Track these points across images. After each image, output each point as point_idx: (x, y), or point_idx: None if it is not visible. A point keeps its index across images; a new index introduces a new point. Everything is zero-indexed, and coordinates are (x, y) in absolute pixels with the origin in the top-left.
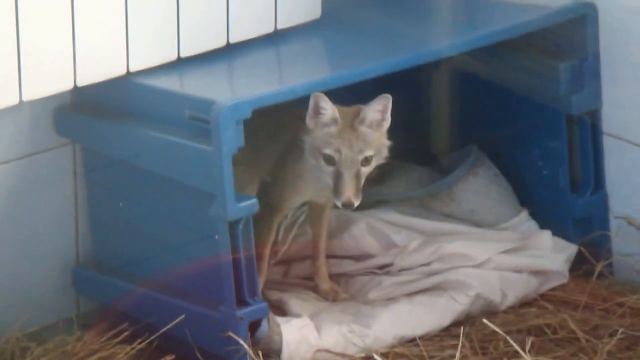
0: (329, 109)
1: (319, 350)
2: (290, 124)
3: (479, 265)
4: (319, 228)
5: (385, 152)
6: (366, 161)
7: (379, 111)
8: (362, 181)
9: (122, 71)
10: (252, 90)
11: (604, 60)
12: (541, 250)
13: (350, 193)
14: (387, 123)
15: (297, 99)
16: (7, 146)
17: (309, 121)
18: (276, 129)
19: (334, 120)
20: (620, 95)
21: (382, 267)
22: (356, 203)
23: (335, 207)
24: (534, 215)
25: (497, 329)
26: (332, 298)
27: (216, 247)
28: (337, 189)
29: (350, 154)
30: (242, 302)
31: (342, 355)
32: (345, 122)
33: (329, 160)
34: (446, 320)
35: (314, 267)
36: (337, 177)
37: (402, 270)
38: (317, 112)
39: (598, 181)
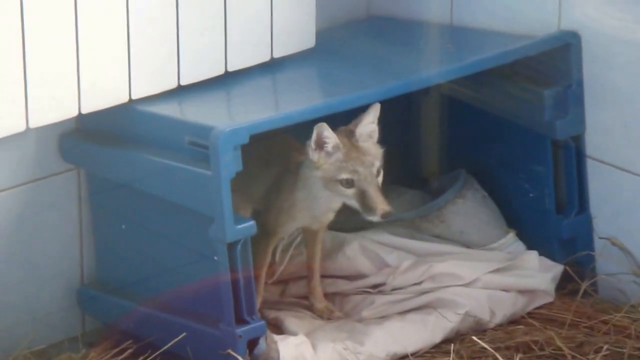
0: (332, 137)
1: None
2: (282, 153)
3: (468, 285)
4: (313, 250)
5: (381, 159)
6: (378, 173)
7: (372, 123)
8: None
9: (124, 99)
10: (249, 117)
11: (587, 86)
12: (528, 270)
13: (384, 204)
14: (376, 132)
15: (290, 126)
16: (15, 171)
17: (313, 154)
18: (268, 158)
19: (337, 147)
20: (603, 121)
21: (375, 286)
22: (391, 210)
23: (371, 223)
24: (521, 236)
25: (486, 346)
26: (327, 316)
27: (215, 268)
28: (368, 207)
29: (366, 170)
30: (240, 321)
31: None
32: (346, 143)
33: (348, 183)
34: (437, 338)
35: (309, 287)
36: (363, 196)
37: (394, 289)
38: (322, 142)
39: (582, 203)
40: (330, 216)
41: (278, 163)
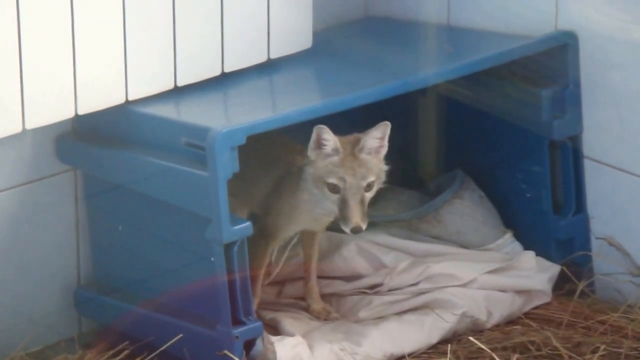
0: (331, 140)
1: None
2: (282, 156)
3: (465, 285)
4: (310, 251)
5: (383, 177)
6: (369, 187)
7: (378, 138)
8: (366, 206)
9: (121, 100)
10: (246, 117)
11: (585, 87)
12: (525, 270)
13: (358, 218)
14: (385, 149)
15: (288, 128)
16: (11, 173)
17: (311, 153)
18: (268, 160)
19: (336, 151)
20: (600, 121)
21: (372, 287)
22: (364, 227)
23: (343, 232)
24: (518, 236)
25: (483, 347)
26: (324, 317)
27: (212, 269)
28: (344, 216)
29: (354, 181)
30: (237, 322)
31: None
32: (346, 151)
33: (334, 189)
34: (434, 338)
35: (306, 288)
36: (343, 205)
37: (391, 290)
38: (320, 143)
39: (579, 203)
40: (330, 218)
41: (278, 165)
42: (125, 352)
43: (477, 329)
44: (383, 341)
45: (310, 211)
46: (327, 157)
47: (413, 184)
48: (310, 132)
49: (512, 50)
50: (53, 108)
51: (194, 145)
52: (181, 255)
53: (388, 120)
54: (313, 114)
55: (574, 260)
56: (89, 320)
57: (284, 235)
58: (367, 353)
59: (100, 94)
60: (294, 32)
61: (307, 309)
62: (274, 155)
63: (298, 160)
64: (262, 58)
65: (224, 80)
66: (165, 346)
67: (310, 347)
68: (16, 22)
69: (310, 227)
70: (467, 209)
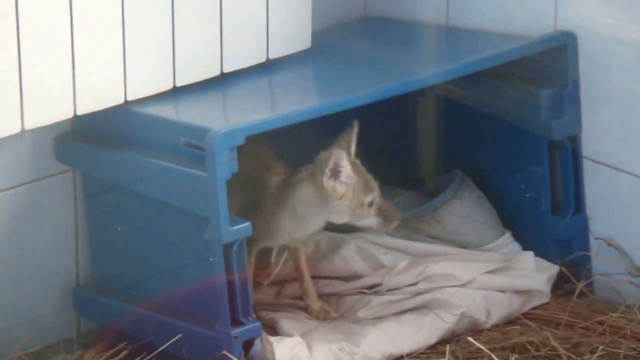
0: (347, 167)
1: None
2: (256, 172)
3: (464, 285)
4: (297, 254)
5: None
6: None
7: (356, 141)
8: None
9: (120, 100)
10: (245, 118)
11: (584, 87)
12: (524, 270)
13: (394, 211)
14: None
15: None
16: (10, 173)
17: (327, 182)
18: (243, 170)
19: (350, 176)
20: (599, 121)
21: (370, 287)
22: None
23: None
24: (516, 236)
25: (481, 347)
26: (322, 317)
27: (211, 269)
28: (387, 216)
29: (376, 185)
30: (236, 322)
31: None
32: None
33: (371, 203)
34: (433, 338)
35: (302, 289)
36: (381, 210)
37: (390, 290)
38: (337, 170)
39: (578, 204)
40: (310, 235)
41: (255, 179)
42: (124, 353)
43: (475, 329)
44: (381, 341)
45: (294, 233)
46: (346, 184)
47: (412, 184)
48: (307, 133)
49: (511, 50)
50: (52, 108)
51: (193, 146)
52: (180, 255)
53: (387, 121)
54: (312, 114)
55: (572, 261)
56: (87, 321)
57: (266, 245)
58: (366, 353)
59: (99, 94)
60: (293, 33)
61: (305, 309)
62: (249, 170)
63: (273, 180)
64: (261, 58)
65: (223, 81)
66: (164, 346)
67: (309, 347)
68: (15, 22)
69: (288, 243)
70: (466, 209)
